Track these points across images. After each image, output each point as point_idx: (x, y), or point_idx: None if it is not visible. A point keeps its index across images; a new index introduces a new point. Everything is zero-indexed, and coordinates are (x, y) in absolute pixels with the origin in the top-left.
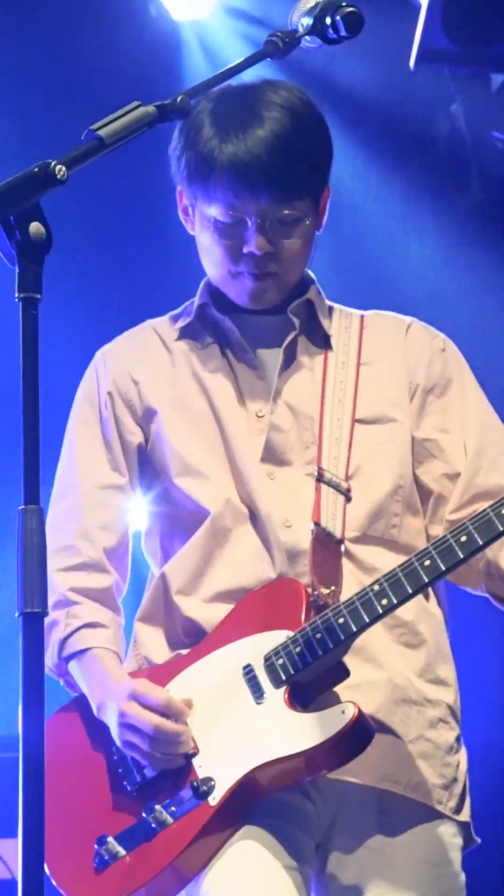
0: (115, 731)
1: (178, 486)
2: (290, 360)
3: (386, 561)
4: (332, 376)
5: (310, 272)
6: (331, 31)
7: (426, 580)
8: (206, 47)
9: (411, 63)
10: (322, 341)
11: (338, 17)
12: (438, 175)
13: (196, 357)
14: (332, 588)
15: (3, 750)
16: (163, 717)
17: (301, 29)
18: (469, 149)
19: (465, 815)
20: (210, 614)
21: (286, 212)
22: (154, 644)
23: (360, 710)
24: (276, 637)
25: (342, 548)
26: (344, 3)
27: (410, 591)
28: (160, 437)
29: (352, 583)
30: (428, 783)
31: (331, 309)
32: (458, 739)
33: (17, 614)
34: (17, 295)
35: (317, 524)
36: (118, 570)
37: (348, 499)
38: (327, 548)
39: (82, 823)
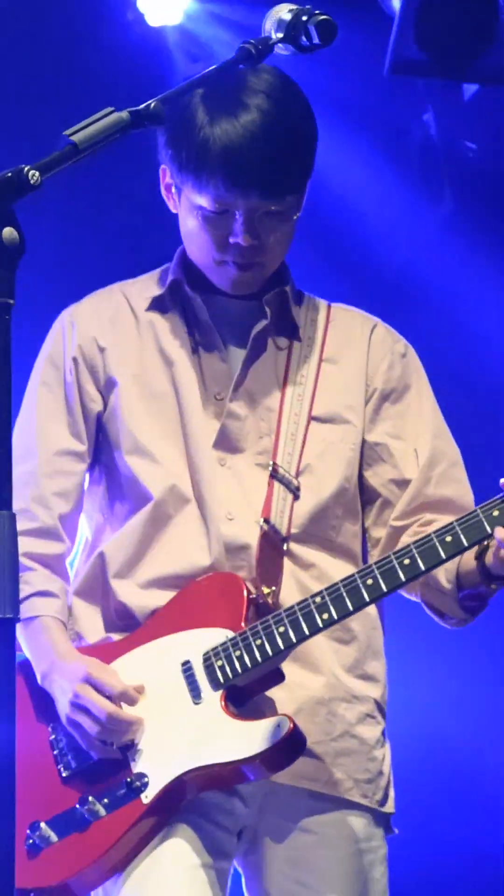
0: (62, 708)
1: (128, 463)
2: (256, 349)
3: (321, 560)
4: (294, 370)
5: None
6: (304, 38)
7: (367, 599)
8: (185, 52)
9: (385, 71)
10: (289, 332)
11: (311, 26)
12: (411, 183)
13: (162, 331)
14: (273, 588)
15: None
16: (116, 707)
17: (274, 36)
18: (441, 158)
19: (389, 807)
20: (143, 600)
21: (273, 207)
22: (88, 621)
23: (294, 725)
24: (217, 635)
25: (286, 546)
26: (317, 12)
27: (351, 609)
28: (117, 410)
29: (290, 582)
30: (350, 779)
31: (300, 296)
32: (383, 733)
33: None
34: None
35: (266, 521)
36: (70, 537)
37: (296, 497)
38: (272, 545)
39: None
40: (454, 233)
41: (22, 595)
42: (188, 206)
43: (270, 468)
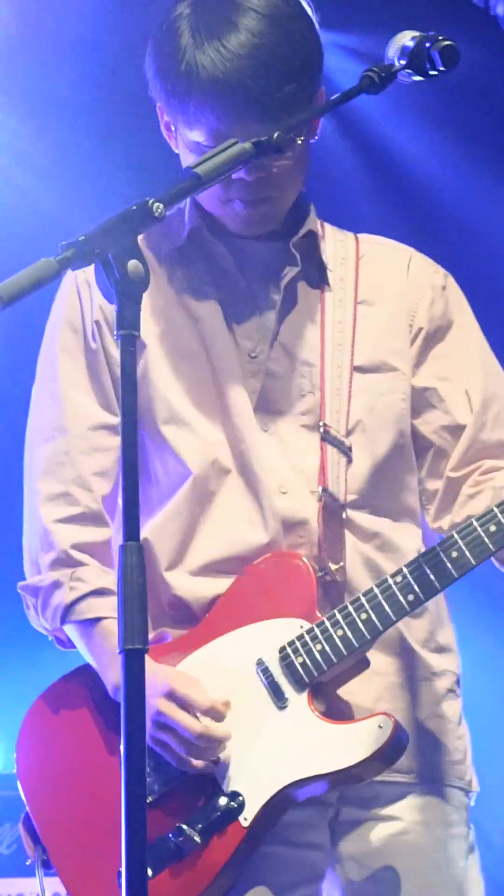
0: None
1: (164, 434)
2: (289, 300)
3: (383, 527)
4: (330, 317)
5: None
6: (428, 65)
7: (455, 575)
8: None
9: None
10: (319, 275)
11: (434, 52)
12: None
13: (186, 285)
14: (341, 564)
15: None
16: (205, 723)
17: (397, 63)
18: None
19: (476, 785)
20: (197, 589)
21: (276, 133)
22: None
23: (396, 723)
24: (290, 627)
25: (345, 515)
26: (440, 37)
27: (439, 587)
28: (146, 375)
29: (353, 556)
30: (445, 763)
31: (323, 229)
32: (461, 707)
33: (118, 651)
34: (116, 332)
35: (325, 490)
36: (112, 520)
37: (349, 459)
38: (333, 516)
39: (99, 835)
40: None
41: (78, 594)
42: (185, 143)
43: (321, 429)
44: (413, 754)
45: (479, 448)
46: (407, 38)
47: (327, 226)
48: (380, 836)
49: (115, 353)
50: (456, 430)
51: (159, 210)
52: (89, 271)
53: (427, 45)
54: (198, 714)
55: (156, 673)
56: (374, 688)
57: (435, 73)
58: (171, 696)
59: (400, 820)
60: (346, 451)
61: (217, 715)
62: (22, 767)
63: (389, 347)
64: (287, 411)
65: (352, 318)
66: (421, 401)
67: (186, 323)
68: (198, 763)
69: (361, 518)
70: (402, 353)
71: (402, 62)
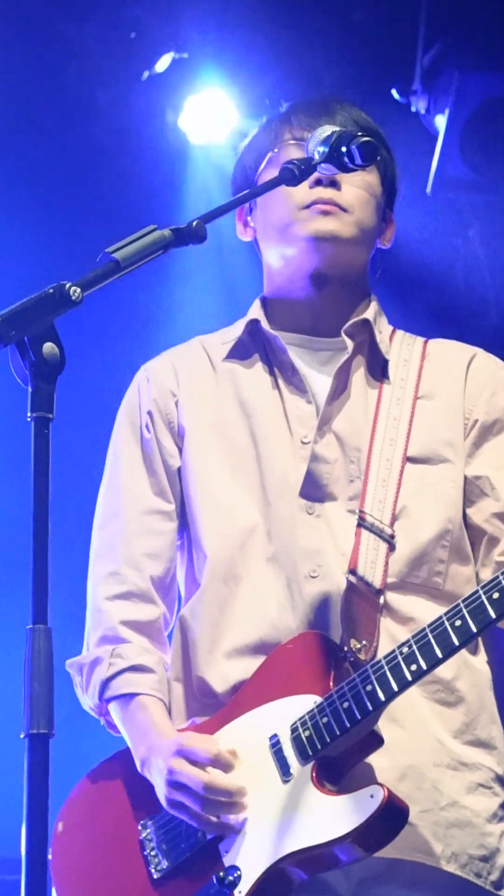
0: (161, 791)
1: (198, 520)
2: (341, 387)
3: (425, 611)
4: (385, 411)
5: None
6: (346, 159)
7: (456, 643)
8: (217, 170)
9: (428, 189)
10: (380, 370)
11: (353, 147)
12: (456, 300)
13: (242, 378)
14: (364, 643)
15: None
16: (212, 774)
17: (317, 157)
18: (486, 273)
19: None
20: (226, 672)
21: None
22: (175, 703)
23: (389, 794)
24: (304, 703)
25: (381, 599)
26: (359, 133)
27: (441, 656)
28: (187, 464)
29: (384, 637)
30: (465, 854)
31: (392, 334)
32: (499, 807)
33: (22, 735)
34: (29, 414)
35: (353, 572)
36: (165, 602)
37: (392, 546)
38: (364, 599)
39: None
40: (499, 347)
41: (115, 670)
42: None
43: (358, 516)
44: (436, 837)
45: None
46: (327, 133)
47: (399, 331)
48: None
49: (167, 443)
50: None
51: (76, 294)
52: (150, 368)
53: (346, 140)
54: (206, 767)
55: (171, 737)
56: (399, 765)
57: (354, 168)
58: (180, 752)
59: None
60: (388, 539)
61: (224, 764)
62: (56, 855)
63: (442, 438)
64: (336, 495)
65: (409, 412)
66: (474, 490)
67: (238, 416)
68: (213, 819)
69: (398, 601)
70: (455, 444)
71: (322, 156)
